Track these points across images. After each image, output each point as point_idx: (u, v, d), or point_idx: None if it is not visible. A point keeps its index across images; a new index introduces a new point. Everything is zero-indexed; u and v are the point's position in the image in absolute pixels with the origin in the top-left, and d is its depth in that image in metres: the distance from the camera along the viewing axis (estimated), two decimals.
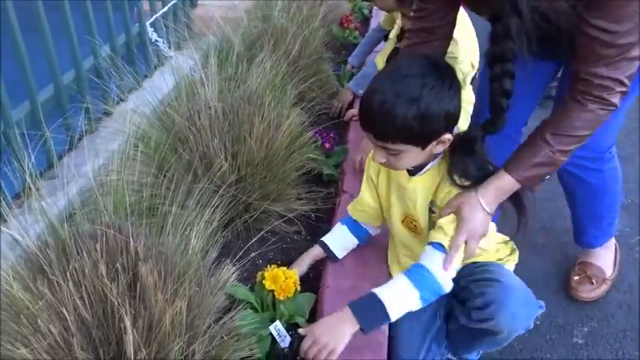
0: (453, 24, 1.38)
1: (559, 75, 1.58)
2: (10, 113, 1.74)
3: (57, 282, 1.05)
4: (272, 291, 1.33)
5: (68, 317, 1.01)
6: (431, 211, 1.28)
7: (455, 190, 1.22)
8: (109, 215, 1.29)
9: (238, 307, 1.28)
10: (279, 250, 1.65)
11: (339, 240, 1.51)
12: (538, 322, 1.70)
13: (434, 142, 1.17)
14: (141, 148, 1.59)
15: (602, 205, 1.73)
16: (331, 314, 1.19)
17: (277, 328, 1.30)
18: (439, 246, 1.18)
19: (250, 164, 1.65)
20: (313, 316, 1.37)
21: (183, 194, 1.42)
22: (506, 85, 1.14)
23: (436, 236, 1.19)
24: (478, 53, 1.93)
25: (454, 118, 1.17)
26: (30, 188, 1.27)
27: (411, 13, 1.40)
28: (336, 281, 1.44)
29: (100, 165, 1.66)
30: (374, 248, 1.54)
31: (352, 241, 1.51)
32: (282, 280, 1.32)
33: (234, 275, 1.36)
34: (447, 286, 1.18)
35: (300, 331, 1.20)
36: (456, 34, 1.42)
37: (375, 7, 3.35)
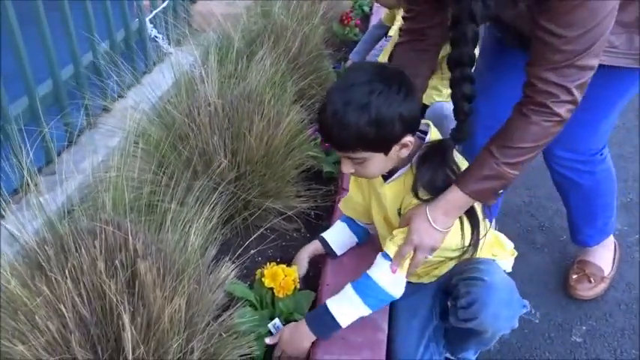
0: (443, 25, 1.36)
1: None
2: (8, 108, 1.74)
3: (55, 278, 1.05)
4: (271, 288, 1.33)
5: (66, 314, 1.01)
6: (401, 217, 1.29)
7: (415, 201, 1.21)
8: (108, 212, 1.28)
9: (237, 305, 1.29)
10: (279, 248, 1.65)
11: (339, 237, 1.51)
12: (537, 321, 1.70)
13: (396, 147, 1.16)
14: (140, 145, 1.59)
15: (595, 205, 1.72)
16: (294, 324, 1.28)
17: (276, 325, 1.31)
18: (387, 256, 1.22)
19: (250, 161, 1.65)
20: None
21: (183, 191, 1.42)
22: (466, 90, 1.14)
23: (387, 245, 1.24)
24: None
25: (411, 120, 1.15)
26: (28, 184, 1.26)
27: (402, 14, 1.40)
28: (336, 279, 1.44)
29: (98, 161, 1.66)
30: (373, 247, 1.53)
31: (351, 239, 1.52)
32: (282, 277, 1.33)
33: (233, 273, 1.36)
34: (395, 291, 1.23)
35: (267, 340, 1.28)
36: None
37: (375, 4, 3.34)
